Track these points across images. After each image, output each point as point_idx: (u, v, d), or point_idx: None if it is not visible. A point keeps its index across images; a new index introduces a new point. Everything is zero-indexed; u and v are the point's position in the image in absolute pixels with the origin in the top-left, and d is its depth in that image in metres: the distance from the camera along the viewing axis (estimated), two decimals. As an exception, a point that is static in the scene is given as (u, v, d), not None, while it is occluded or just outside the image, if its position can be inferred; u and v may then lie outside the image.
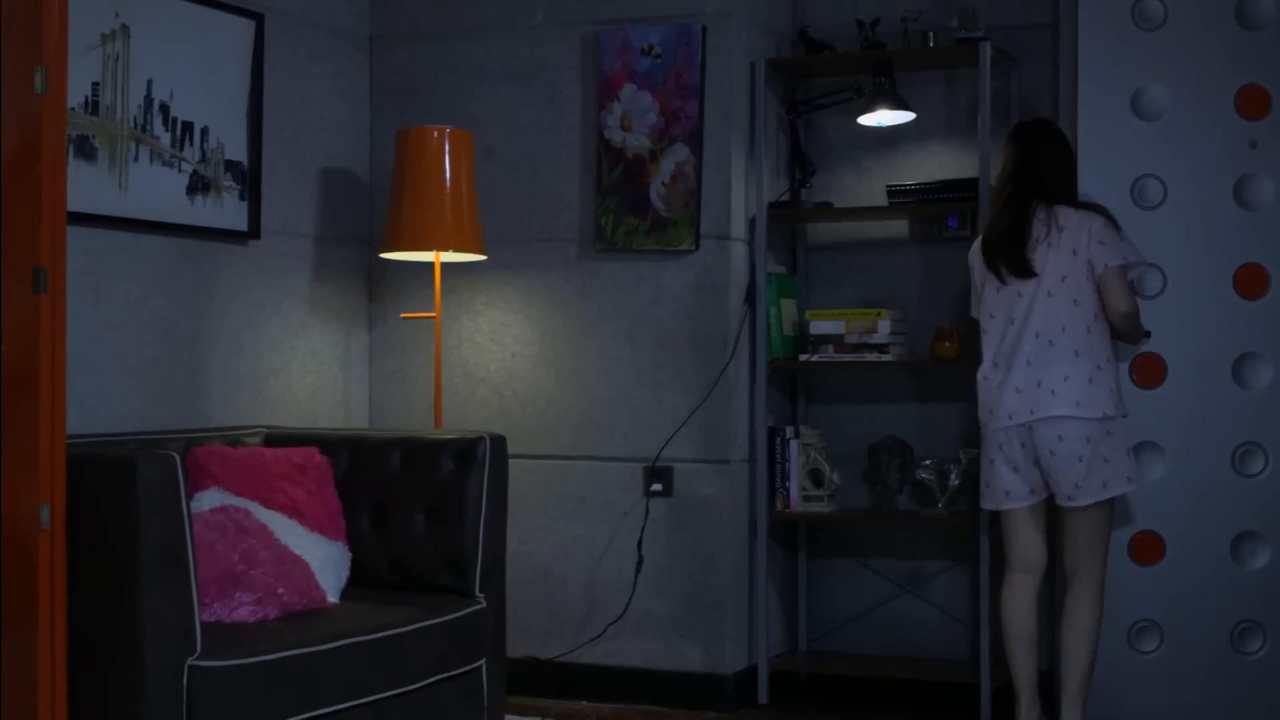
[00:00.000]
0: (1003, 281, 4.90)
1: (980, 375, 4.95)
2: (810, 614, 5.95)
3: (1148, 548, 5.13)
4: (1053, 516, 4.96)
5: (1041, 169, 4.93)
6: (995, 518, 5.12)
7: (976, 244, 5.03)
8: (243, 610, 4.23)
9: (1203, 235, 5.16)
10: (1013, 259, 4.87)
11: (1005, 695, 5.33)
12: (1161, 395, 5.15)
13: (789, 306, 5.77)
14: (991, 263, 4.92)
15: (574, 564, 5.72)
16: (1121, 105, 5.20)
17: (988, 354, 4.95)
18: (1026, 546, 4.93)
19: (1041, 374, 4.80)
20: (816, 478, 5.67)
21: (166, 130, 5.02)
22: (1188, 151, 5.15)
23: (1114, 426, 4.78)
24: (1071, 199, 4.94)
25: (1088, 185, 5.14)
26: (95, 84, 4.75)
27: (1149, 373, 5.15)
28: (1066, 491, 4.80)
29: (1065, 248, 4.83)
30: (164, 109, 5.01)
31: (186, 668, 3.77)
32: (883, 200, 5.73)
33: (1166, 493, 5.14)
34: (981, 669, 5.34)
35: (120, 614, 3.71)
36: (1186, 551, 5.11)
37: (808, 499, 5.67)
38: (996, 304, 4.93)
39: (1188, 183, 5.16)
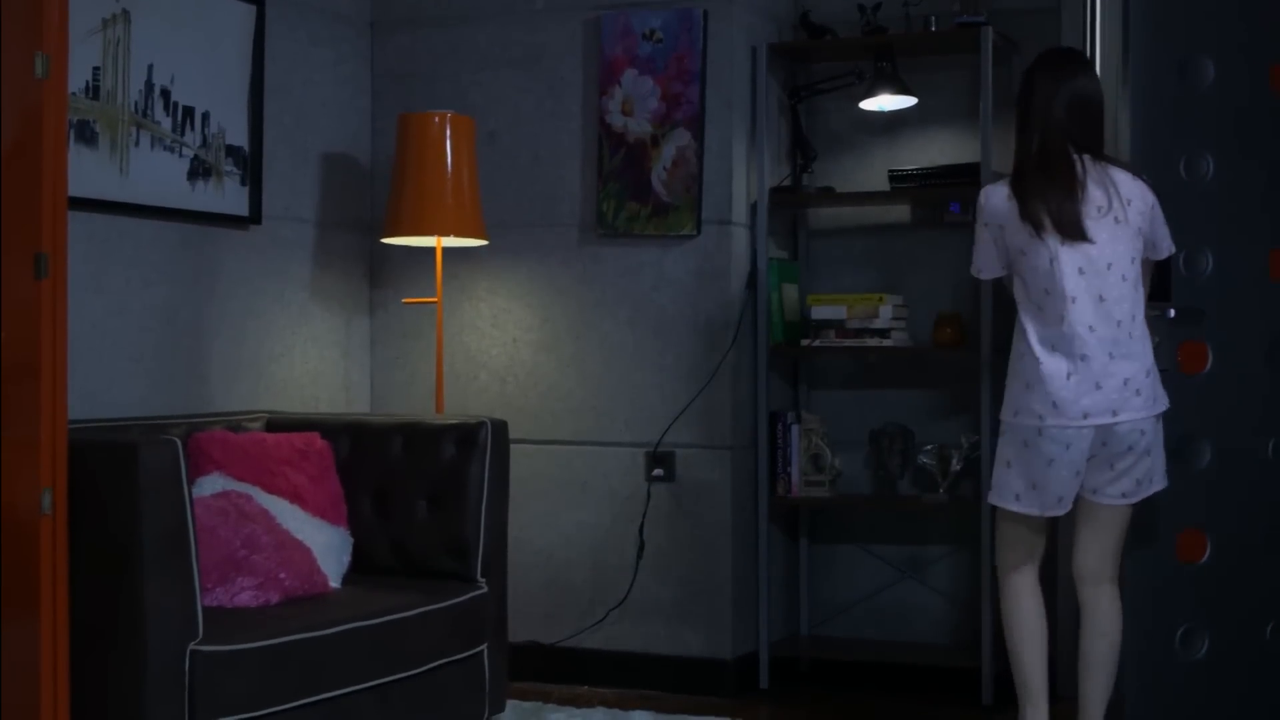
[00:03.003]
0: (1045, 246, 4.34)
1: (1037, 362, 4.37)
2: (811, 599, 5.96)
3: (1191, 545, 4.87)
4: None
5: (1081, 112, 4.44)
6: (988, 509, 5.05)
7: (1000, 195, 4.45)
8: (244, 595, 4.24)
9: (1246, 214, 4.90)
10: (1070, 220, 4.33)
11: (1006, 680, 5.33)
12: (1204, 382, 4.88)
13: (790, 292, 5.77)
14: (1034, 218, 4.35)
15: (575, 549, 5.72)
16: (1170, 75, 4.89)
17: (1038, 335, 4.38)
18: (1036, 543, 4.55)
19: (1126, 369, 4.34)
20: (818, 463, 5.67)
21: (167, 115, 5.02)
22: (1233, 126, 4.89)
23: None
24: (1103, 154, 4.50)
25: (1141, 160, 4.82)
26: (96, 69, 4.74)
27: (1192, 359, 4.88)
28: (1124, 489, 4.44)
29: (1133, 224, 4.39)
30: (165, 94, 5.00)
31: (188, 653, 3.78)
32: (884, 185, 5.72)
33: (1210, 486, 4.88)
34: (983, 654, 5.34)
35: (122, 599, 3.72)
36: (1230, 547, 4.87)
37: (809, 484, 5.68)
38: (1053, 279, 4.35)
39: (1234, 159, 4.88)
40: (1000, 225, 4.43)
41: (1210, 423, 4.88)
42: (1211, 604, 4.87)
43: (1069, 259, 4.33)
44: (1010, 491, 4.45)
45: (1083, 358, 4.32)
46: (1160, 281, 4.76)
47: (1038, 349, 4.36)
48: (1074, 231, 4.32)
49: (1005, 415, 4.45)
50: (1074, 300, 4.32)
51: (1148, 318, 4.49)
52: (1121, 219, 4.36)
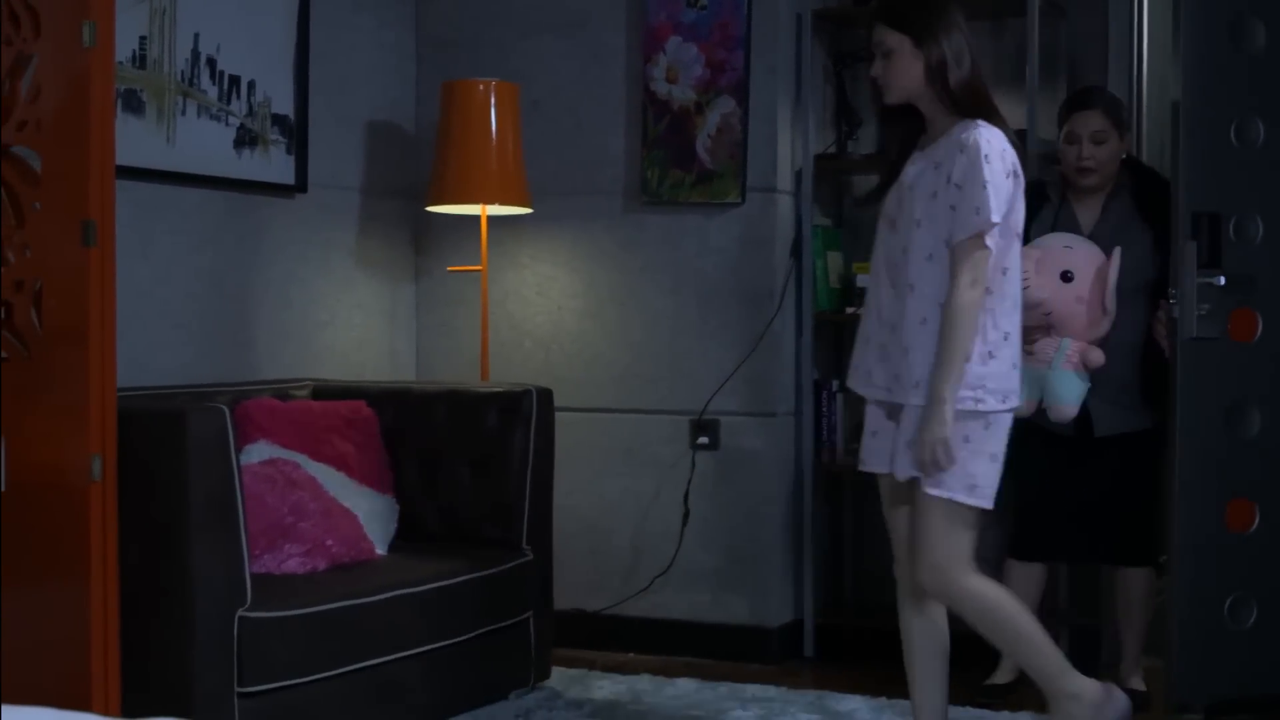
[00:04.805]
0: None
1: (1018, 339, 3.92)
2: (856, 567, 5.95)
3: (1240, 514, 4.78)
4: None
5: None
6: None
7: (1014, 159, 3.86)
8: (292, 562, 4.27)
9: None
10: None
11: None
12: (1254, 350, 4.78)
13: (835, 259, 5.75)
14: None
15: (620, 517, 5.73)
16: (1221, 38, 4.76)
17: (1016, 305, 3.91)
18: None
19: None
20: (861, 430, 5.65)
21: (214, 84, 5.03)
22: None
23: None
24: None
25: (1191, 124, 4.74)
26: (143, 38, 4.76)
27: (1242, 326, 4.78)
28: None
29: None
30: (211, 62, 5.01)
31: (237, 618, 3.80)
32: (930, 152, 5.69)
33: (1260, 454, 4.77)
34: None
35: (171, 566, 3.75)
36: (1279, 516, 4.79)
37: (851, 451, 5.65)
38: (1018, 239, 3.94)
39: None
40: (1019, 174, 3.87)
41: (1260, 391, 4.81)
42: (1260, 573, 4.81)
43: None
44: (995, 489, 3.87)
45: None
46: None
47: (1020, 321, 3.92)
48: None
49: (992, 403, 3.81)
50: None
51: (1203, 285, 4.55)
52: None
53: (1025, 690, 5.03)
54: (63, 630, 3.49)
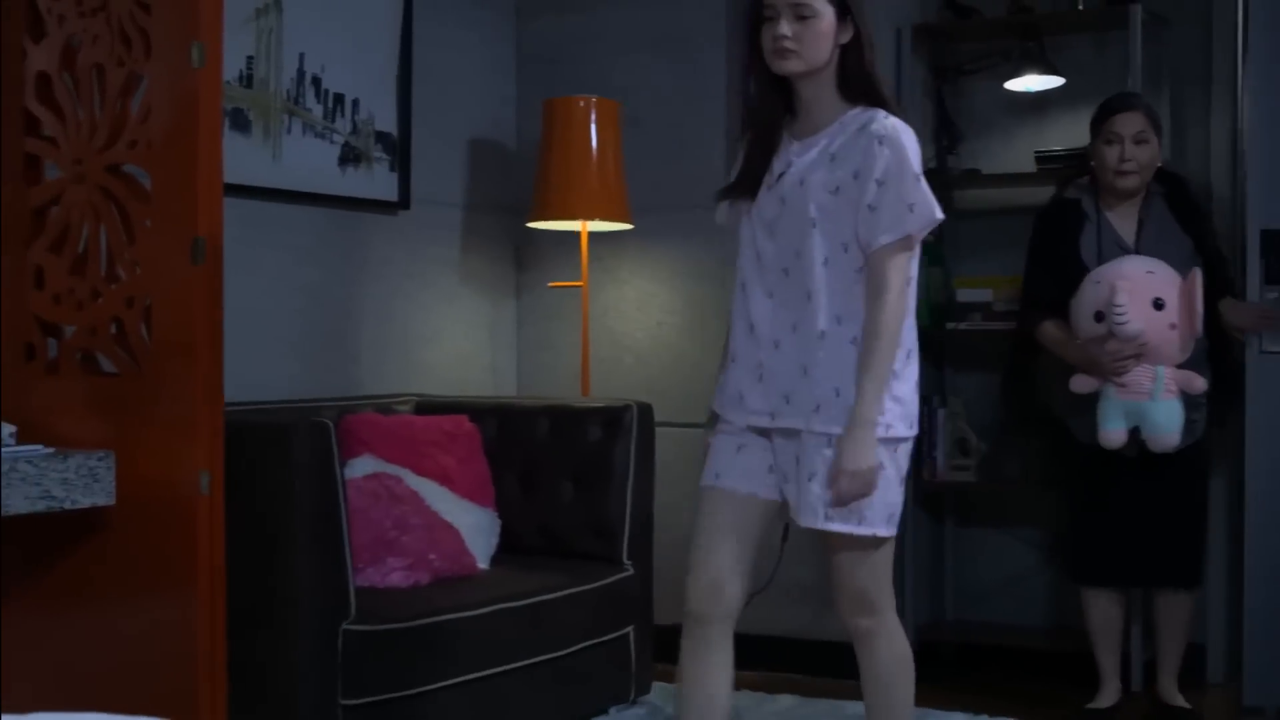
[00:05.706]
0: None
1: (914, 361, 3.54)
2: (957, 583, 5.92)
3: None
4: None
5: None
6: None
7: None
8: (395, 575, 4.30)
9: None
10: None
11: (1153, 667, 5.28)
12: None
13: (936, 274, 5.73)
14: None
15: (720, 532, 5.71)
16: None
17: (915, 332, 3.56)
18: None
19: None
20: (963, 447, 5.63)
21: (318, 102, 5.09)
22: None
23: None
24: None
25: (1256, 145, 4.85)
26: (250, 58, 4.82)
27: None
28: None
29: None
30: (316, 81, 5.08)
31: (341, 632, 3.84)
32: (1031, 166, 5.66)
33: None
34: (1132, 640, 5.27)
35: (276, 579, 3.79)
36: None
37: (954, 468, 5.64)
38: None
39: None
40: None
41: None
42: None
43: None
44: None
45: None
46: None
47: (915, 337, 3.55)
48: None
49: (904, 429, 3.47)
50: None
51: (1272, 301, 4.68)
52: None
53: (1128, 710, 5.00)
54: (170, 643, 3.53)
